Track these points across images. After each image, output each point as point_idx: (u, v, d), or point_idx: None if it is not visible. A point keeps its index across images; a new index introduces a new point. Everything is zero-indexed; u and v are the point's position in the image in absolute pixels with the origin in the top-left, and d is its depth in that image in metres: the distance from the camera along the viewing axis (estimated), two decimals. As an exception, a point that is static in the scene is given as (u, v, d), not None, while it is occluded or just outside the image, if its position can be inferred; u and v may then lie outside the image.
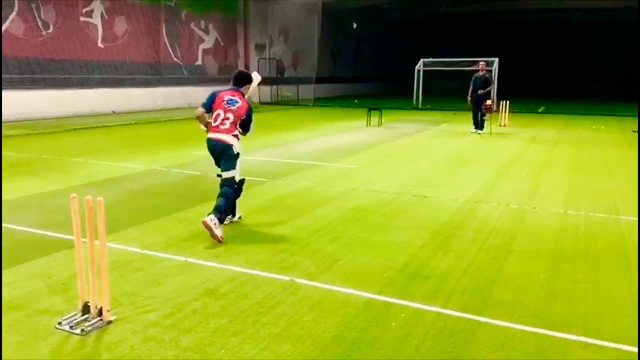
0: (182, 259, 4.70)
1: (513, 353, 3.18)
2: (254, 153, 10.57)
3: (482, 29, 41.66)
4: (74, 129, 14.83)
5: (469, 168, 9.50)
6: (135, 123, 16.98)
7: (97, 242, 3.46)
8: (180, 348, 3.19)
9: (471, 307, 3.81)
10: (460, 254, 4.93)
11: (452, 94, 28.13)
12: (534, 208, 6.62)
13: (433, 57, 25.06)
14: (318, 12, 27.83)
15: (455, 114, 21.25)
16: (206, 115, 5.50)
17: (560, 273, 4.51)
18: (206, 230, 5.06)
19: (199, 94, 23.34)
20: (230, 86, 5.64)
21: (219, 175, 5.49)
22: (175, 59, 23.85)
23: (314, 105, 26.56)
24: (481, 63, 15.01)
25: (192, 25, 24.77)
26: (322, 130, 15.70)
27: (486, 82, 14.63)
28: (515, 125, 16.83)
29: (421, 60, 24.89)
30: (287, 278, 4.28)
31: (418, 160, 10.45)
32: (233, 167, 5.43)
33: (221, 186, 5.44)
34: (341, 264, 4.65)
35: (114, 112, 19.79)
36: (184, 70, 24.37)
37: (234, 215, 5.78)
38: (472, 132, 14.58)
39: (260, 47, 29.01)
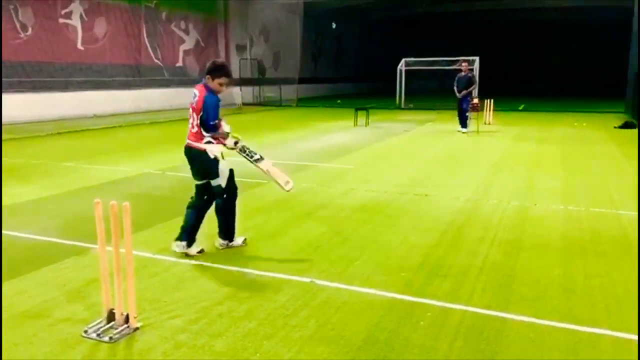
0: (196, 263, 4.65)
1: (545, 349, 3.22)
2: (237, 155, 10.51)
3: (462, 28, 42.21)
4: (58, 133, 14.55)
5: (463, 166, 9.60)
6: (119, 126, 16.74)
7: (122, 250, 3.41)
8: (215, 353, 3.15)
9: (494, 304, 3.85)
10: (472, 251, 4.97)
11: (434, 93, 28.44)
12: (535, 205, 6.72)
13: (413, 57, 25.23)
14: (300, 12, 27.81)
15: (439, 112, 21.43)
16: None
17: (574, 268, 4.58)
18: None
19: (181, 95, 23.22)
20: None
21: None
22: (156, 61, 23.59)
23: (297, 106, 26.52)
24: (463, 63, 15.15)
25: (172, 26, 24.53)
26: (310, 131, 15.68)
27: (469, 81, 14.78)
28: (500, 123, 17.05)
29: (403, 60, 25.04)
30: (308, 280, 4.27)
31: (411, 159, 10.51)
32: (215, 173, 4.69)
33: (192, 197, 4.88)
34: (357, 264, 4.65)
35: (95, 115, 19.47)
36: (165, 71, 24.12)
37: (231, 240, 4.97)
38: (458, 131, 14.72)
39: (241, 48, 28.87)
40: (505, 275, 4.40)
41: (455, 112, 15.17)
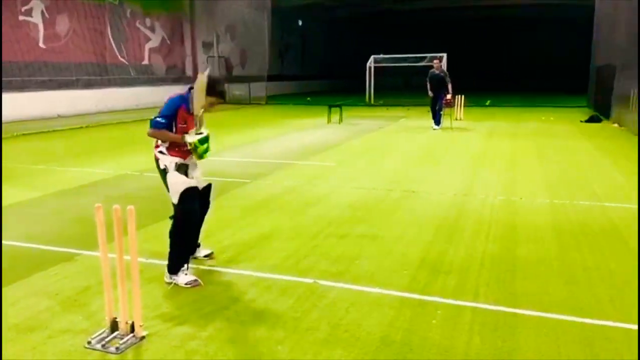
0: (193, 266, 4.50)
1: (560, 343, 3.22)
2: (222, 154, 10.36)
3: (429, 25, 42.57)
4: (23, 134, 14.01)
5: (444, 162, 9.66)
6: (86, 127, 16.24)
7: (127, 257, 3.25)
8: (230, 361, 3.04)
9: (502, 299, 3.84)
10: (470, 246, 4.97)
11: (400, 90, 28.71)
12: (521, 199, 6.79)
13: (379, 54, 25.36)
14: (267, 10, 27.56)
15: (408, 109, 21.59)
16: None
17: (571, 261, 4.62)
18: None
19: (148, 94, 22.81)
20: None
21: None
22: (122, 59, 23.01)
23: (266, 104, 26.30)
24: (435, 60, 15.28)
25: (137, 23, 23.96)
26: (284, 129, 15.55)
27: (442, 79, 14.88)
28: (470, 119, 17.27)
29: (372, 57, 25.12)
30: (310, 280, 4.18)
31: (391, 156, 10.52)
32: (166, 187, 4.16)
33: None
34: (358, 263, 4.59)
35: (59, 116, 18.86)
36: (130, 70, 23.55)
37: (174, 271, 4.10)
38: (432, 128, 14.83)
39: (207, 45, 28.45)
40: (506, 270, 4.41)
41: (426, 109, 15.28)
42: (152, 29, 24.97)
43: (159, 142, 4.21)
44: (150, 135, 4.17)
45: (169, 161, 4.15)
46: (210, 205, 4.51)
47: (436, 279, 4.22)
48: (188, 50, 27.27)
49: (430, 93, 14.80)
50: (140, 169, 8.88)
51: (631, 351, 3.13)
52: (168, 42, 25.96)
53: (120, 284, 3.24)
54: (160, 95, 15.54)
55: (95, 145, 12.42)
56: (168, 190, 4.20)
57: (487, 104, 25.09)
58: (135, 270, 3.24)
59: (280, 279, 4.23)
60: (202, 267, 4.49)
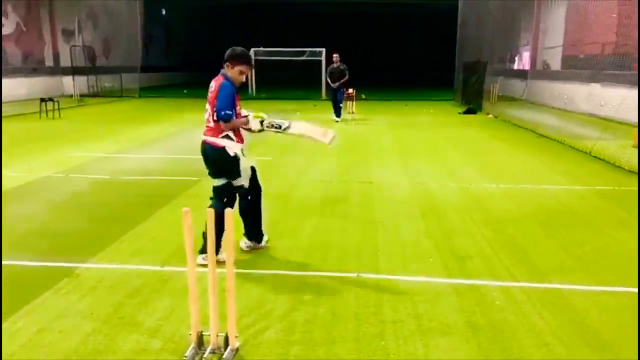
0: (220, 271, 4.20)
1: (615, 311, 3.60)
2: (137, 151, 9.73)
3: (308, 20, 42.94)
4: None
5: (371, 153, 10.00)
6: (-56, 123, 14.01)
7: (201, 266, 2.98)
8: (349, 361, 2.95)
9: (537, 277, 4.16)
10: (467, 232, 5.26)
11: (283, 83, 28.88)
12: (470, 185, 7.31)
13: (262, 47, 25.26)
14: (136, -3, 25.89)
15: (315, 105, 21.58)
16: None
17: (564, 238, 5.06)
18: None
19: (4, 86, 20.17)
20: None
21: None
22: (-31, 46, 20.14)
23: (140, 97, 24.78)
24: (335, 54, 15.63)
25: (-16, 5, 21.09)
26: (183, 122, 14.80)
27: (342, 73, 15.28)
28: (361, 112, 17.93)
29: (252, 49, 24.86)
30: (354, 275, 4.17)
31: (316, 150, 10.56)
32: (236, 173, 4.30)
33: (211, 198, 4.38)
34: (381, 255, 4.64)
35: None
36: (-20, 59, 20.68)
37: (259, 241, 4.65)
38: (334, 121, 15.19)
39: (68, 34, 25.98)
40: (517, 250, 4.75)
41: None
42: (5, 14, 22.13)
43: (219, 132, 4.21)
44: (228, 129, 4.21)
45: (239, 148, 4.28)
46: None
47: (465, 264, 4.44)
48: (47, 38, 24.65)
49: (332, 85, 15.14)
50: (60, 170, 7.97)
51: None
52: (24, 28, 23.23)
53: (212, 295, 2.97)
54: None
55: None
56: (234, 176, 4.30)
57: (362, 97, 26.18)
58: (231, 279, 2.99)
59: (326, 276, 4.15)
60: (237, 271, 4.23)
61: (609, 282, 4.08)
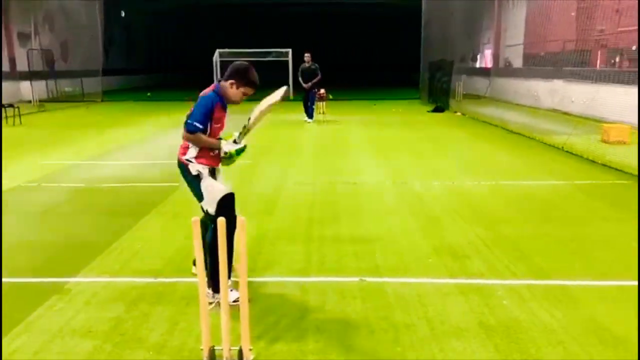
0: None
1: (621, 306, 3.63)
2: (107, 158, 9.48)
3: (273, 20, 42.73)
4: None
5: (350, 153, 9.96)
6: None
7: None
8: (369, 370, 2.88)
9: (540, 274, 4.17)
10: (459, 230, 5.26)
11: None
12: (453, 183, 7.35)
13: (228, 48, 24.98)
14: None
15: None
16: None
17: (555, 233, 5.11)
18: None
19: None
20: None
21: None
22: None
23: (103, 101, 24.11)
24: (306, 54, 15.51)
25: None
26: (151, 126, 14.50)
27: (314, 73, 15.20)
28: (331, 113, 17.89)
29: (217, 51, 24.58)
30: (356, 279, 4.09)
31: (293, 151, 10.52)
32: (199, 195, 3.71)
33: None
34: (378, 256, 4.59)
35: None
36: None
37: (216, 290, 3.55)
38: (306, 122, 15.09)
39: (24, 37, 25.08)
40: (513, 248, 4.75)
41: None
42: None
43: (187, 146, 3.70)
44: (186, 140, 3.67)
45: (202, 167, 3.69)
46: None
47: (464, 264, 4.42)
48: (2, 42, 23.70)
49: (304, 85, 15.04)
50: (31, 179, 7.64)
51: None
52: (-24, 31, 22.31)
53: (225, 311, 2.85)
54: None
55: None
56: (200, 199, 3.74)
57: (330, 97, 26.16)
58: (244, 290, 2.87)
59: (331, 282, 4.05)
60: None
61: (609, 276, 4.13)
